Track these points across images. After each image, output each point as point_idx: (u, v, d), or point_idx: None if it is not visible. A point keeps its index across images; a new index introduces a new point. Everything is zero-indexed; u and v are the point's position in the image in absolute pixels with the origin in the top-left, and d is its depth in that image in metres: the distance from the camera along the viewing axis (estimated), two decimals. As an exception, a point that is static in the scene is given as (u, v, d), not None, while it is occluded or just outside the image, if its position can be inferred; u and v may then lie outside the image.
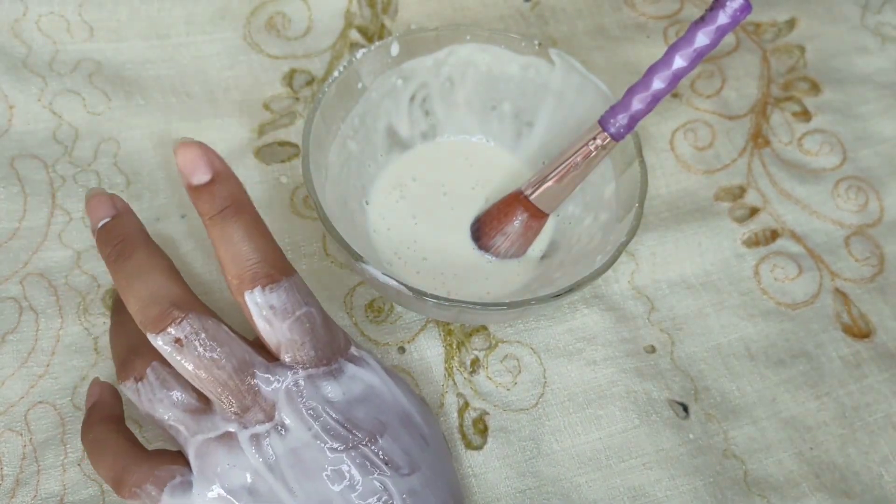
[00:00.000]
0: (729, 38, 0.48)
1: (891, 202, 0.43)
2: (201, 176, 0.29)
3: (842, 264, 0.41)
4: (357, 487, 0.28)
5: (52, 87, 0.41)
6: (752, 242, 0.41)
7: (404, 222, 0.39)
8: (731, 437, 0.36)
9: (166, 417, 0.29)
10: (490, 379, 0.36)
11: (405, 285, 0.31)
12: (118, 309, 0.34)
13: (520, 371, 0.36)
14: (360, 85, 0.38)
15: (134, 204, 0.39)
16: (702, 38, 0.32)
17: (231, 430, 0.28)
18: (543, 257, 0.39)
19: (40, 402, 0.34)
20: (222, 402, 0.28)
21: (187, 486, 0.28)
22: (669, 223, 0.41)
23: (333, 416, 0.28)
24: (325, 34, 0.45)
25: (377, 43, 0.37)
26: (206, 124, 0.42)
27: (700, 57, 0.33)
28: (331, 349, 0.30)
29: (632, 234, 0.33)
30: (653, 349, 0.38)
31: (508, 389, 0.36)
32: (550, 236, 0.39)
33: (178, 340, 0.27)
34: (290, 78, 0.44)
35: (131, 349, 0.30)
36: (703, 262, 0.40)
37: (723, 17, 0.32)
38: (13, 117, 0.40)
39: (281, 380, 0.28)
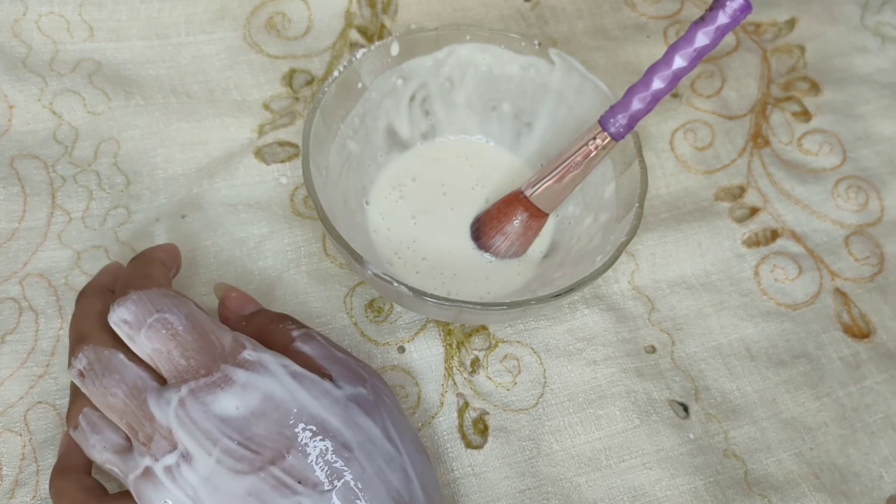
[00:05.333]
0: (729, 38, 0.48)
1: (891, 202, 0.43)
2: None
3: (842, 264, 0.41)
4: None
5: (52, 87, 0.41)
6: (752, 242, 0.41)
7: (404, 222, 0.39)
8: (732, 437, 0.36)
9: (102, 460, 0.28)
10: (490, 379, 0.36)
11: (405, 285, 0.31)
12: None
13: (520, 371, 0.36)
14: (360, 85, 0.38)
15: (134, 204, 0.39)
16: (702, 38, 0.32)
17: (147, 464, 0.27)
18: (543, 257, 0.39)
19: (40, 403, 0.34)
20: (130, 432, 0.28)
21: None
22: (669, 223, 0.41)
23: (231, 436, 0.27)
24: (325, 34, 0.45)
25: (377, 43, 0.37)
26: (206, 124, 0.42)
27: (700, 57, 0.33)
28: (207, 355, 0.28)
29: (632, 234, 0.33)
30: (653, 349, 0.38)
31: (508, 389, 0.36)
32: (550, 236, 0.39)
33: (80, 373, 0.29)
34: (290, 78, 0.44)
35: (71, 400, 0.30)
36: (703, 262, 0.40)
37: (723, 17, 0.32)
38: (13, 117, 0.40)
39: (169, 401, 0.27)
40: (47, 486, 0.32)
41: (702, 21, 0.32)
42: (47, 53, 0.42)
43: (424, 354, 0.36)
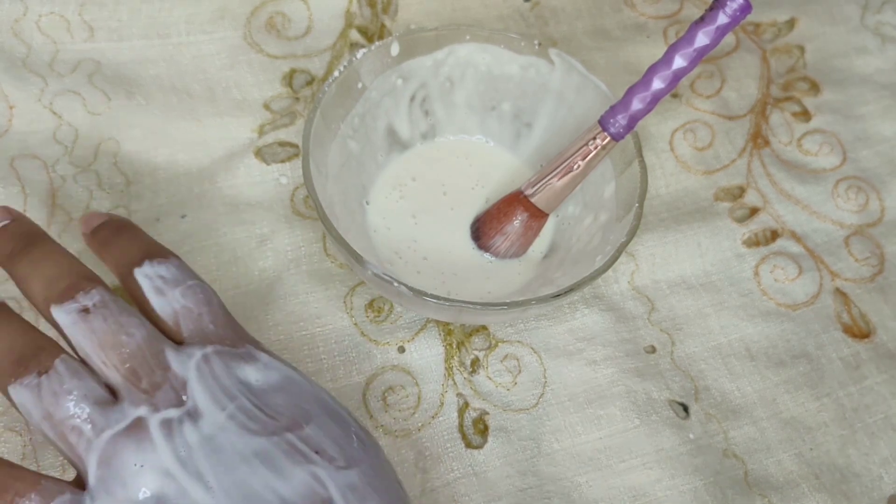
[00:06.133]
0: (729, 38, 0.48)
1: (891, 202, 0.43)
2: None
3: (842, 264, 0.41)
4: (285, 477, 0.24)
5: (52, 87, 0.41)
6: (752, 242, 0.41)
7: (404, 222, 0.39)
8: (732, 437, 0.36)
9: (74, 413, 0.25)
10: (490, 379, 0.36)
11: (405, 285, 0.31)
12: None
13: (520, 371, 0.36)
14: (360, 85, 0.38)
15: (134, 204, 0.39)
16: (702, 38, 0.32)
17: (141, 414, 0.25)
18: (543, 257, 0.39)
19: (40, 402, 0.34)
20: (130, 378, 0.25)
21: None
22: (669, 223, 0.41)
23: (250, 397, 0.26)
24: (325, 34, 0.45)
25: (377, 43, 0.37)
26: (206, 124, 0.42)
27: (700, 57, 0.33)
28: (233, 331, 0.28)
29: (632, 234, 0.33)
30: (653, 349, 0.38)
31: (508, 389, 0.36)
32: (550, 236, 0.39)
33: (85, 309, 0.26)
34: (290, 78, 0.44)
35: (27, 344, 0.27)
36: (703, 262, 0.40)
37: (723, 17, 0.32)
38: (13, 117, 0.40)
39: (191, 355, 0.26)
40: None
41: (702, 21, 0.32)
42: (47, 53, 0.42)
43: (424, 354, 0.36)
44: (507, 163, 0.41)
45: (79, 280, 0.27)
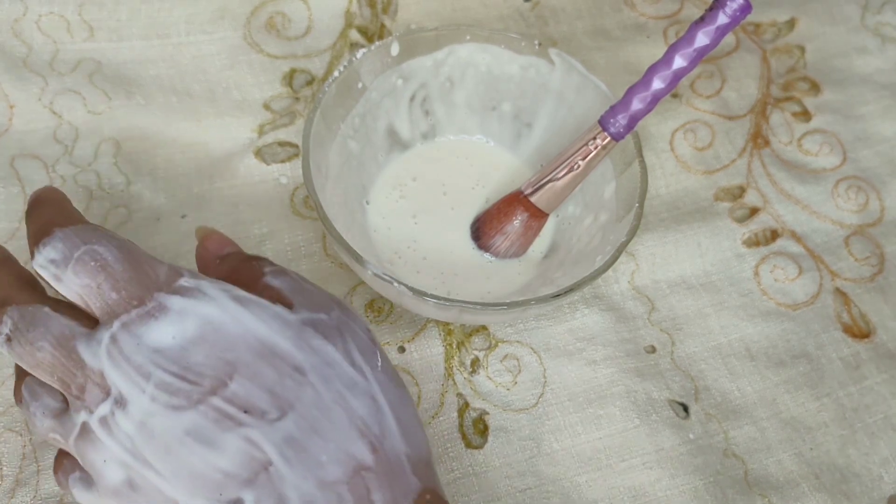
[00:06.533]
0: (729, 39, 0.48)
1: (891, 202, 0.43)
2: None
3: (842, 264, 0.41)
4: (219, 448, 0.23)
5: (52, 86, 0.41)
6: (752, 242, 0.41)
7: (404, 222, 0.39)
8: (732, 437, 0.36)
9: (43, 430, 0.26)
10: (490, 379, 0.36)
11: (405, 285, 0.31)
12: None
13: (520, 371, 0.36)
14: (360, 85, 0.38)
15: (134, 204, 0.39)
16: (702, 38, 0.32)
17: (83, 419, 0.25)
18: (544, 257, 0.39)
19: (40, 402, 0.34)
20: (63, 388, 0.26)
21: (85, 483, 0.26)
22: (669, 223, 0.41)
23: (166, 367, 0.24)
24: (325, 34, 0.45)
25: (377, 43, 0.37)
26: (206, 124, 0.42)
27: (700, 57, 0.33)
28: (139, 285, 0.26)
29: (632, 234, 0.33)
30: (653, 349, 0.38)
31: (508, 389, 0.36)
32: (550, 236, 0.39)
33: (8, 338, 0.26)
34: (290, 78, 0.44)
35: (16, 375, 0.28)
36: (703, 262, 0.40)
37: (723, 17, 0.32)
38: (13, 117, 0.40)
39: (100, 341, 0.25)
40: (48, 486, 0.32)
41: (702, 21, 0.32)
42: (47, 53, 0.42)
43: (424, 354, 0.36)
44: (507, 163, 0.41)
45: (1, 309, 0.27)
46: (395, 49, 0.38)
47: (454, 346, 0.37)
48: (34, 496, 0.32)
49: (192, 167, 0.41)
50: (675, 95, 0.45)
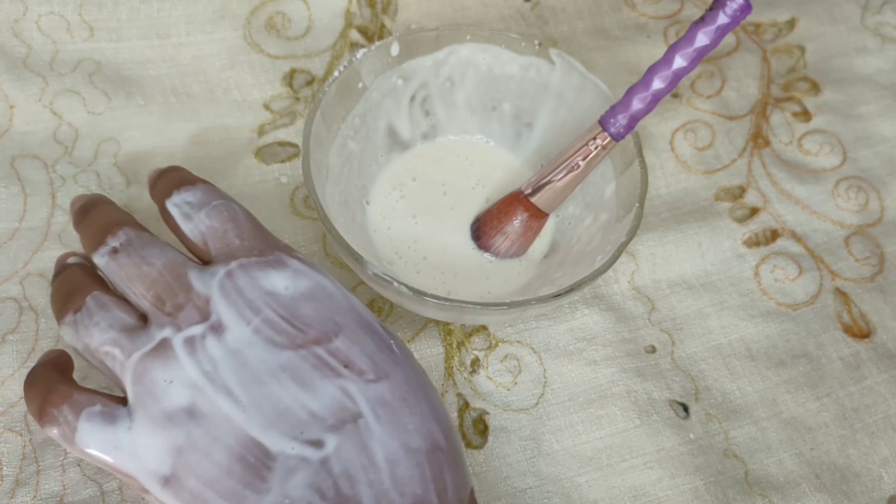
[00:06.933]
0: (729, 39, 0.48)
1: (891, 202, 0.43)
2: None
3: (842, 264, 0.41)
4: (313, 391, 0.25)
5: (52, 87, 0.41)
6: (753, 242, 0.41)
7: (404, 222, 0.39)
8: (732, 437, 0.36)
9: (103, 340, 0.27)
10: (490, 379, 0.36)
11: (405, 285, 0.31)
12: (58, 271, 0.32)
13: (520, 371, 0.36)
14: (360, 85, 0.38)
15: (134, 204, 0.39)
16: (702, 38, 0.32)
17: (166, 335, 0.26)
18: (544, 257, 0.39)
19: (40, 402, 0.34)
20: (155, 303, 0.27)
21: (108, 417, 0.26)
22: (669, 223, 0.41)
23: (276, 309, 0.26)
24: (325, 34, 0.45)
25: (377, 43, 0.37)
26: (206, 124, 0.42)
27: (700, 57, 0.33)
28: (261, 241, 0.28)
29: (632, 234, 0.33)
30: (653, 349, 0.38)
31: (508, 389, 0.36)
32: (551, 236, 0.39)
33: (114, 250, 0.28)
34: (290, 78, 0.44)
35: (70, 288, 0.29)
36: (703, 262, 0.40)
37: (723, 17, 0.32)
38: (13, 117, 0.40)
39: (214, 273, 0.27)
40: (48, 486, 0.32)
41: (702, 21, 0.32)
42: (47, 53, 0.42)
43: (424, 354, 0.36)
44: (508, 163, 0.41)
45: (109, 226, 0.30)
46: (395, 49, 0.38)
47: (454, 346, 0.37)
48: (34, 496, 0.32)
49: (192, 167, 0.40)
50: (675, 95, 0.45)
